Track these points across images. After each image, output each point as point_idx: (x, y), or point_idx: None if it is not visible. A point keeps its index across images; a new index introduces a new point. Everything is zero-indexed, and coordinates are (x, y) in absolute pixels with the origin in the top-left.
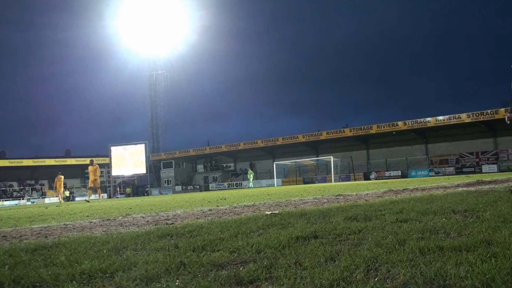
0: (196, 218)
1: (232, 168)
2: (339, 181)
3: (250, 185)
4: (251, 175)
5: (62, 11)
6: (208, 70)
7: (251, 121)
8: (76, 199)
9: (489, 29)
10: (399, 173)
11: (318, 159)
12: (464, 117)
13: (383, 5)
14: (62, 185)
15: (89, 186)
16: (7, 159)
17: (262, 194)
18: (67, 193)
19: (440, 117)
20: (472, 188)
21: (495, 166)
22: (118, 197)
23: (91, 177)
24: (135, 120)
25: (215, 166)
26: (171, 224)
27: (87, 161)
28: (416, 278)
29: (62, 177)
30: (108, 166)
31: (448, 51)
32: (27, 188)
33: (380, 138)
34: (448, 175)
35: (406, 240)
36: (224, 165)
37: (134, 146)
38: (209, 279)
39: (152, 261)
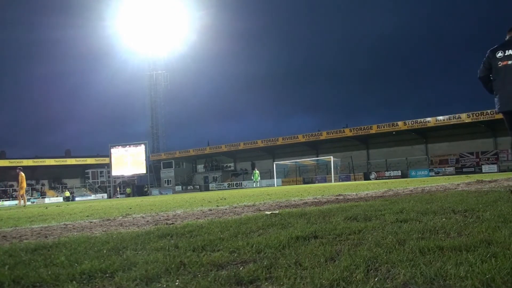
0: (196, 218)
1: (232, 168)
2: (339, 181)
3: (254, 185)
4: (257, 174)
5: (62, 11)
6: (208, 70)
7: (251, 121)
8: (76, 199)
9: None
10: (399, 173)
11: (318, 159)
12: (464, 117)
13: (385, 6)
14: (24, 184)
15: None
16: (7, 159)
17: (262, 194)
18: (67, 193)
19: (440, 117)
20: (472, 188)
21: (495, 166)
22: (118, 197)
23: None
24: (135, 120)
25: (215, 166)
26: (171, 224)
27: (87, 161)
28: (416, 278)
29: (23, 174)
30: (108, 166)
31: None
32: (27, 188)
33: (380, 138)
34: (448, 175)
35: (406, 240)
36: (224, 165)
37: (134, 146)
38: (209, 279)
39: (152, 261)
